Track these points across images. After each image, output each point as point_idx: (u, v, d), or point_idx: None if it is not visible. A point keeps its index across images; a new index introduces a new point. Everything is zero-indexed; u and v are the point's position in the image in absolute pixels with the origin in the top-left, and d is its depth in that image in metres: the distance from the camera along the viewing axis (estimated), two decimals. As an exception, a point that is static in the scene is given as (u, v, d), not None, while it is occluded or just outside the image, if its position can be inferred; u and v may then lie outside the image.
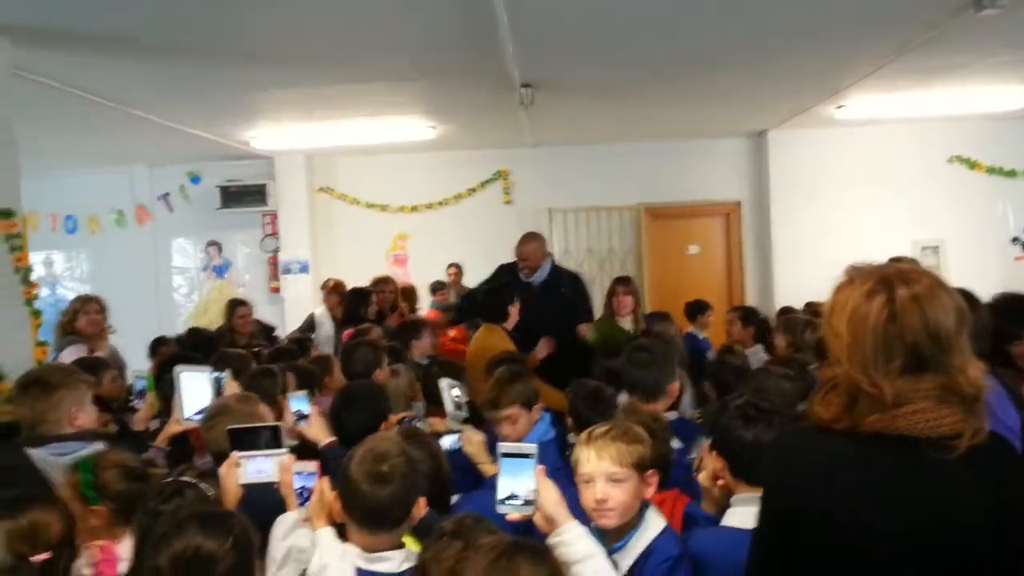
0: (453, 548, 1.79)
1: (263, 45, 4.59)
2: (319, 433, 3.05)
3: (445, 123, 7.34)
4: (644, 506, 2.09)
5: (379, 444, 2.18)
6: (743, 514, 2.05)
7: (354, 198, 9.08)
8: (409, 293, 7.26)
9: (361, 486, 2.05)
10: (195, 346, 5.02)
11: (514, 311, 4.90)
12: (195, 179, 9.02)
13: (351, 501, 2.08)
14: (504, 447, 1.95)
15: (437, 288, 8.15)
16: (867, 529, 1.42)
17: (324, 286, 6.91)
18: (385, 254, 9.10)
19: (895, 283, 1.47)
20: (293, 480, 2.33)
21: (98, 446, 2.87)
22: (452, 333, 6.19)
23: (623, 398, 3.26)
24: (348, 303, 6.48)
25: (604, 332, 5.24)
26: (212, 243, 9.27)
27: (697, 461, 2.34)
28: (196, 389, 3.11)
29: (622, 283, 5.64)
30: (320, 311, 6.70)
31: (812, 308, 6.25)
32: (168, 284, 9.30)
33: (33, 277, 4.28)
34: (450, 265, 8.54)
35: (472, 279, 7.96)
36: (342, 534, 2.14)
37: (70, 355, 4.69)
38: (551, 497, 1.89)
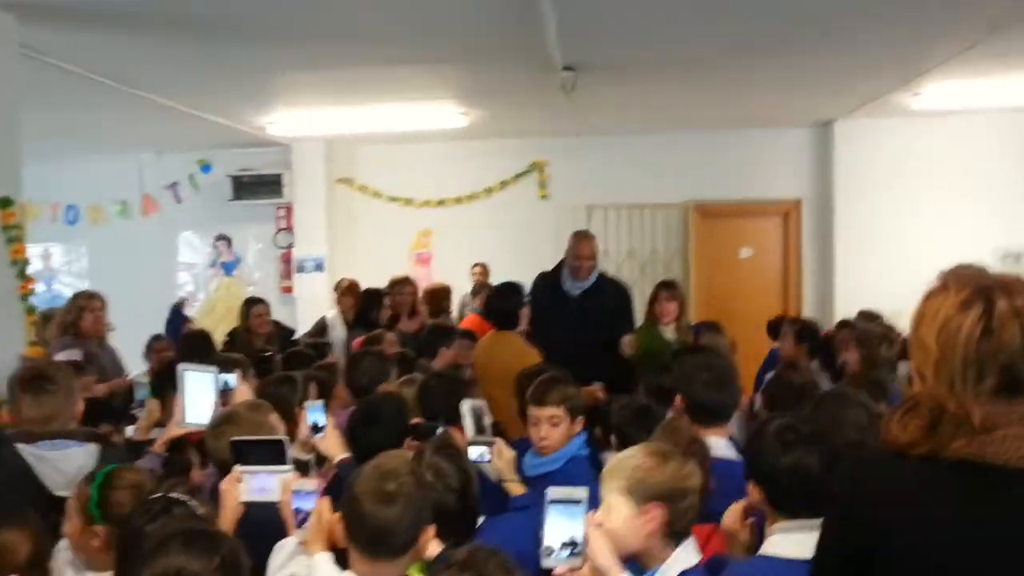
0: None
1: (281, 22, 4.61)
2: (334, 447, 3.06)
3: (477, 109, 7.34)
4: (677, 538, 2.06)
5: (388, 461, 2.18)
6: (786, 542, 2.01)
7: (376, 190, 9.11)
8: (439, 295, 7.16)
9: (364, 505, 2.04)
10: (189, 350, 5.03)
11: (523, 315, 4.96)
12: (206, 167, 9.10)
13: (353, 522, 2.07)
14: (553, 493, 1.91)
15: (478, 290, 7.80)
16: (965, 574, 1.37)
17: (337, 287, 6.94)
18: (407, 252, 9.12)
19: (995, 294, 1.41)
20: (291, 500, 2.32)
21: (92, 448, 2.92)
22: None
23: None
24: (359, 306, 6.51)
25: (644, 343, 5.21)
26: (221, 237, 9.37)
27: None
28: (201, 391, 3.13)
29: (666, 288, 5.65)
30: (332, 314, 6.72)
31: (869, 318, 6.16)
32: (173, 281, 9.40)
33: (30, 271, 4.34)
34: (475, 264, 8.53)
35: (501, 280, 7.94)
36: (344, 561, 2.12)
37: (64, 359, 4.74)
38: (603, 548, 1.88)
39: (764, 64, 5.88)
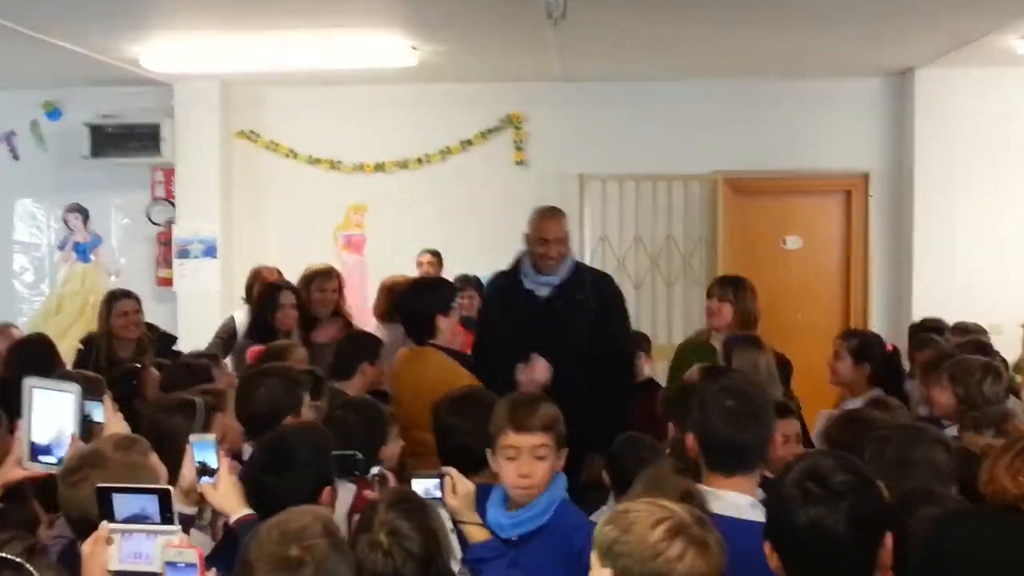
0: None
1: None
2: (229, 500, 3.04)
3: (432, 43, 7.34)
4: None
5: (296, 518, 2.18)
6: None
7: (290, 149, 9.08)
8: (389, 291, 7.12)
9: None
10: (23, 363, 4.95)
11: (446, 324, 4.95)
12: (53, 113, 9.02)
13: None
14: None
15: (462, 286, 7.17)
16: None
17: (257, 276, 6.94)
18: (332, 234, 9.11)
19: None
20: (166, 573, 2.34)
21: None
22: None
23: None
24: (255, 306, 6.50)
25: (674, 365, 5.26)
26: (75, 208, 9.28)
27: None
28: (54, 418, 3.10)
29: (722, 285, 5.75)
30: (242, 314, 6.73)
31: (962, 332, 6.25)
32: (7, 267, 9.31)
33: None
34: (424, 252, 8.49)
35: (456, 272, 7.94)
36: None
37: None
38: None
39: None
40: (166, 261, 9.05)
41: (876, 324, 8.46)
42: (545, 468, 3.15)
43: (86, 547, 2.41)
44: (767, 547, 2.28)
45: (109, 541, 2.39)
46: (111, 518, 2.42)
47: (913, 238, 8.58)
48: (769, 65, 8.31)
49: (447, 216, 8.89)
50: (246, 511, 3.01)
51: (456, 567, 2.97)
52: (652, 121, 8.82)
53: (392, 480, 3.47)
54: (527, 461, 3.14)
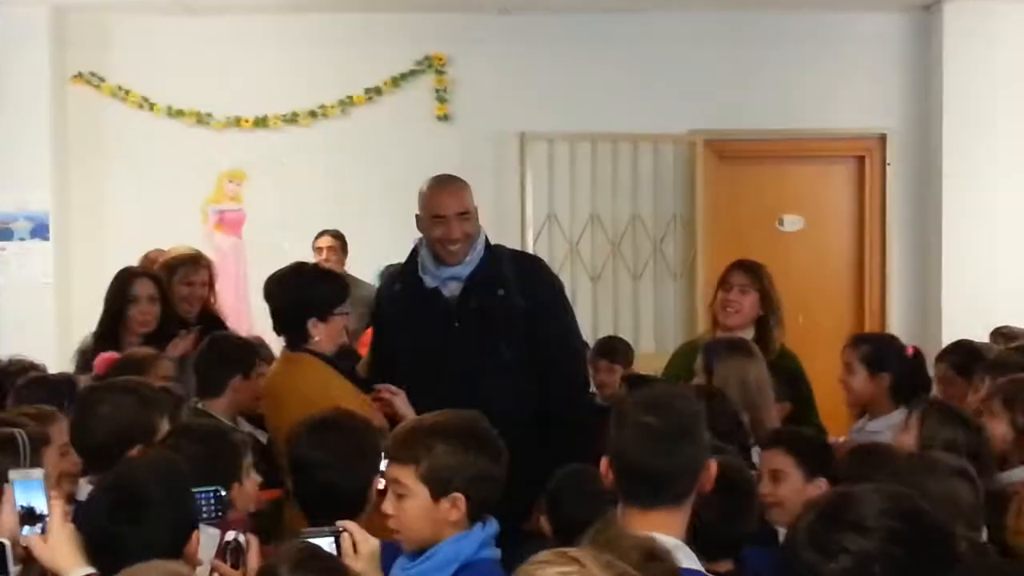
0: None
1: None
2: (62, 556, 3.00)
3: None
4: None
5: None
6: None
7: (143, 98, 9.00)
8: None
9: None
10: None
11: (322, 332, 4.85)
12: None
13: None
14: None
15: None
16: None
17: (149, 258, 6.87)
18: (201, 209, 9.08)
19: None
20: None
21: None
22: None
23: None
24: (106, 300, 6.36)
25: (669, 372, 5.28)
26: None
27: None
28: None
29: (741, 269, 5.77)
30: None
31: (1007, 338, 6.32)
32: None
33: None
34: (321, 234, 8.48)
35: (365, 260, 7.95)
36: None
37: None
38: None
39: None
40: (-21, 244, 8.98)
41: (896, 326, 8.54)
42: (409, 509, 3.15)
43: None
44: None
45: None
46: None
47: (942, 216, 8.68)
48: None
49: (349, 187, 8.90)
50: (87, 570, 2.97)
51: None
52: (613, 65, 8.87)
53: (254, 545, 3.40)
54: (390, 497, 3.17)
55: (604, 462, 3.13)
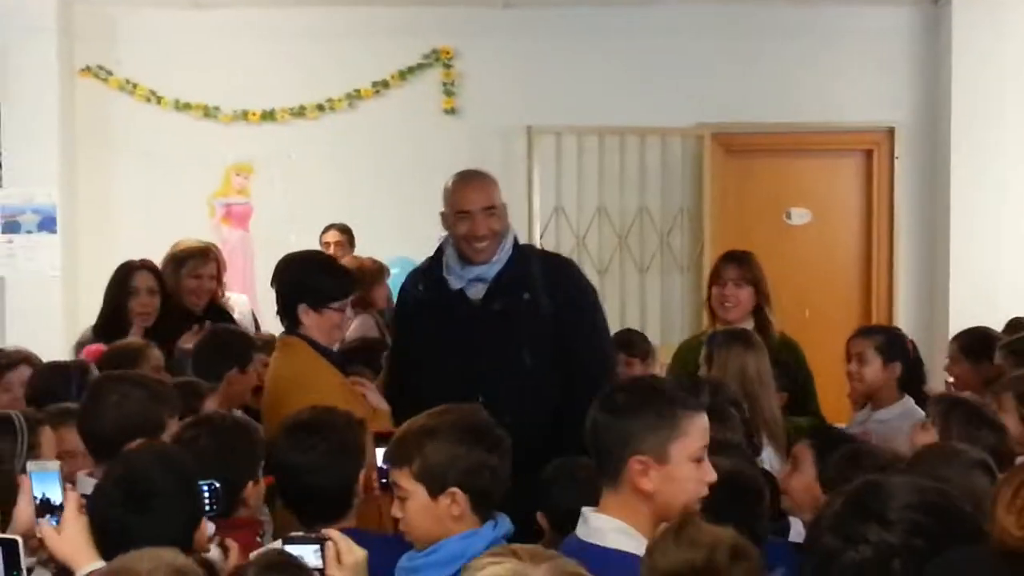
0: None
1: None
2: (76, 549, 3.00)
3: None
4: None
5: (134, 563, 2.21)
6: None
7: (151, 91, 9.00)
8: (373, 277, 7.14)
9: None
10: None
11: (313, 321, 4.74)
12: None
13: None
14: None
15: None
16: None
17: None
18: (208, 202, 9.07)
19: None
20: None
21: None
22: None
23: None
24: (106, 293, 6.35)
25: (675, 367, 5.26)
26: None
27: None
28: None
29: (734, 263, 5.72)
30: None
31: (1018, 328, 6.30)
32: None
33: None
34: (328, 228, 8.47)
35: (372, 253, 7.90)
36: None
37: None
38: None
39: None
40: (-12, 236, 8.98)
41: (904, 319, 8.57)
42: (410, 510, 3.17)
43: None
44: None
45: None
46: None
47: (950, 209, 8.66)
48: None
49: (356, 181, 8.89)
50: (98, 564, 2.96)
51: None
52: (621, 59, 8.86)
53: (234, 551, 3.39)
54: (396, 501, 3.19)
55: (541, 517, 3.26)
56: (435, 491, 3.13)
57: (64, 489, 3.09)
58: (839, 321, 8.18)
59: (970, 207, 8.59)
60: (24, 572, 2.46)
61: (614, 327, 7.62)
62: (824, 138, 9.03)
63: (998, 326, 6.16)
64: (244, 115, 9.02)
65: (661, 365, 6.23)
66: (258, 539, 3.66)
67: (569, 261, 5.59)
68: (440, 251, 5.02)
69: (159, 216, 8.62)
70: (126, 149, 9.06)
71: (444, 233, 5.15)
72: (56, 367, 5.13)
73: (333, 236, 8.37)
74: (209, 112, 9.02)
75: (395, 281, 7.12)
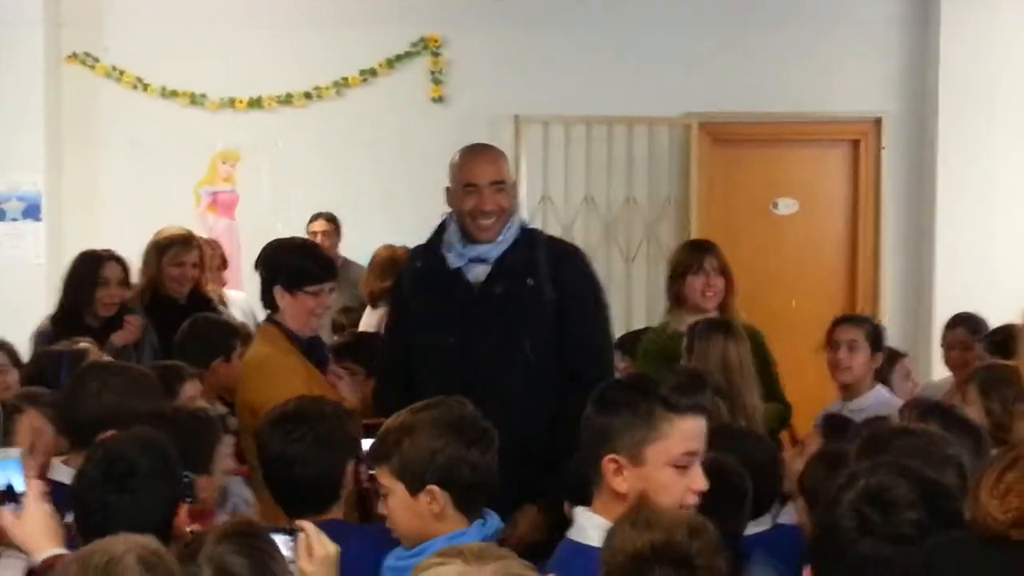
0: None
1: None
2: (34, 536, 3.01)
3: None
4: None
5: (103, 549, 2.20)
6: None
7: (138, 78, 8.99)
8: (394, 266, 6.95)
9: None
10: None
11: (294, 303, 4.61)
12: None
13: None
14: None
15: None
16: None
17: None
18: (194, 190, 9.07)
19: None
20: None
21: None
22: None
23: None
24: (67, 282, 6.29)
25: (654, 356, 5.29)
26: None
27: None
28: None
29: (702, 251, 5.71)
30: None
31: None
32: None
33: None
34: (315, 218, 8.47)
35: (358, 241, 7.94)
36: None
37: None
38: None
39: None
40: (-27, 224, 8.95)
41: (889, 310, 8.62)
42: (392, 508, 3.17)
43: None
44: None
45: None
46: None
47: (936, 200, 8.67)
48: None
49: (344, 169, 8.89)
50: (58, 550, 2.96)
51: None
52: (608, 48, 8.84)
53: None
54: (381, 495, 3.21)
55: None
56: (414, 488, 3.12)
57: (25, 476, 3.07)
58: (825, 311, 8.08)
59: (957, 198, 8.60)
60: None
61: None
62: (811, 128, 9.02)
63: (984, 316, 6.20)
64: (231, 103, 9.00)
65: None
66: None
67: (577, 249, 5.19)
68: (443, 227, 4.74)
69: (145, 204, 8.62)
70: (112, 136, 9.05)
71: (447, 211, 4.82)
72: (48, 354, 5.13)
73: (320, 226, 8.37)
74: (196, 100, 9.00)
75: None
